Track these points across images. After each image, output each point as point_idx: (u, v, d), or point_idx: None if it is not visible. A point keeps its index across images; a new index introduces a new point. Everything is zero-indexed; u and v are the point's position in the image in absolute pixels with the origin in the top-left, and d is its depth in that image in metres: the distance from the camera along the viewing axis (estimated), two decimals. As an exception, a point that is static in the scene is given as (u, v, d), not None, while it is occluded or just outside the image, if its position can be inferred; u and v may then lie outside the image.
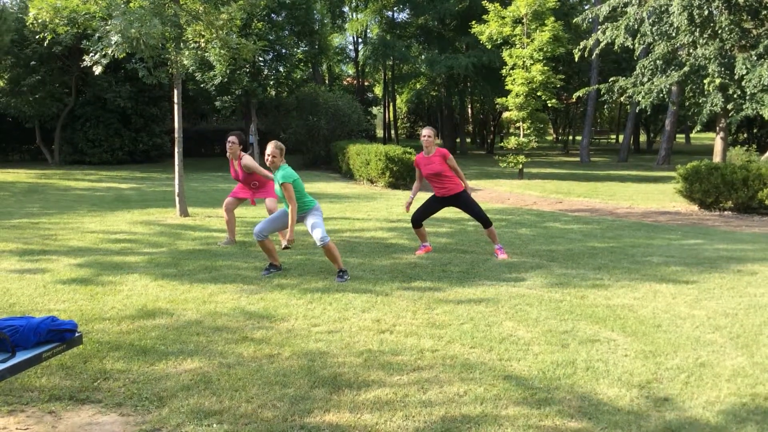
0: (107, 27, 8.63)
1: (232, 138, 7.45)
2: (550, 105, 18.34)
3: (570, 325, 4.56)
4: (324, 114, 22.51)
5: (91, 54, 9.05)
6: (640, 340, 4.27)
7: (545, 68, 17.42)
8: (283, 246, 5.90)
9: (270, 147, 5.83)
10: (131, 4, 9.15)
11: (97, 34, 8.81)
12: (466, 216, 9.91)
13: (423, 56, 29.07)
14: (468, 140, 39.49)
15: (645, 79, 16.59)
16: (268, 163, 5.84)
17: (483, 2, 19.03)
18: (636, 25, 16.30)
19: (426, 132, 6.94)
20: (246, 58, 10.55)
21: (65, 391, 3.39)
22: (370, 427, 3.04)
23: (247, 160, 7.45)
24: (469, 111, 40.34)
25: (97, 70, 9.00)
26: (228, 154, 7.51)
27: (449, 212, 10.91)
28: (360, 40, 36.40)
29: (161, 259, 6.65)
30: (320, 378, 3.58)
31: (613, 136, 45.41)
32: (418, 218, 7.20)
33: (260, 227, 5.99)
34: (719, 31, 14.88)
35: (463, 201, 7.08)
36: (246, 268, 6.33)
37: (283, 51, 23.92)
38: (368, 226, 9.14)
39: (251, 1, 9.92)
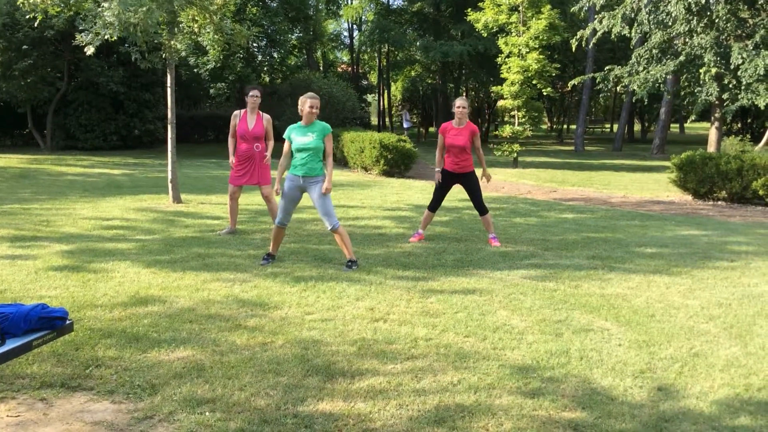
0: (100, 11, 8.52)
1: (255, 92, 7.37)
2: (545, 93, 18.30)
3: (564, 315, 4.56)
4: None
5: (83, 34, 8.94)
6: (633, 330, 4.27)
7: (541, 56, 17.36)
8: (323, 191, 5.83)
9: (312, 100, 5.79)
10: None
11: (90, 16, 8.70)
12: (461, 205, 9.91)
13: (418, 43, 28.97)
14: (463, 128, 39.33)
15: (641, 68, 16.55)
16: (309, 113, 5.75)
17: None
18: (633, 14, 16.24)
19: (460, 102, 7.03)
20: (240, 43, 10.46)
21: (57, 378, 3.36)
22: (363, 415, 3.03)
23: (270, 119, 7.50)
24: (464, 99, 40.17)
25: (89, 51, 8.89)
26: (248, 107, 7.37)
27: (445, 200, 10.89)
28: (355, 26, 36.21)
29: (154, 246, 6.61)
30: (314, 366, 3.56)
31: (608, 125, 45.46)
32: (437, 203, 7.26)
33: (282, 215, 5.94)
34: (716, 21, 14.83)
35: (471, 182, 7.13)
36: (239, 255, 6.30)
37: (278, 37, 23.76)
38: (362, 214, 9.11)
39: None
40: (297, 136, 5.82)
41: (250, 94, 7.37)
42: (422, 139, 33.47)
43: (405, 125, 29.31)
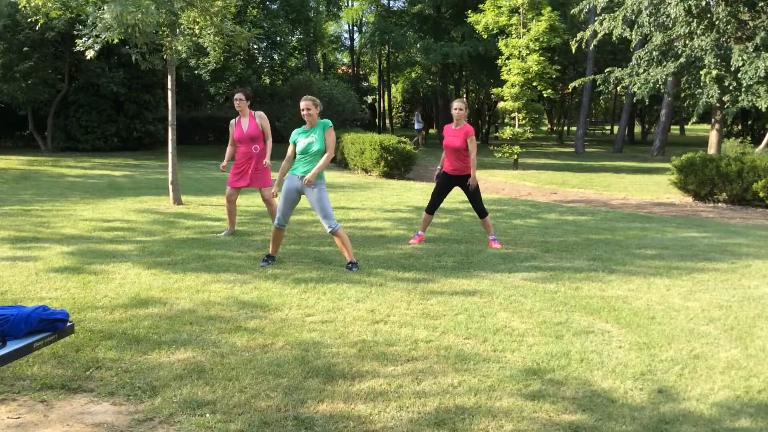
0: (100, 13, 8.53)
1: (239, 95, 7.32)
2: (545, 95, 18.30)
3: (564, 317, 4.56)
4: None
5: (84, 39, 8.95)
6: (634, 332, 4.27)
7: (541, 58, 17.38)
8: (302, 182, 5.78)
9: (305, 102, 5.79)
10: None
11: (90, 20, 8.71)
12: (461, 206, 9.90)
13: (418, 44, 28.97)
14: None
15: (641, 70, 16.55)
16: (304, 116, 5.76)
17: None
18: (633, 16, 16.24)
19: (457, 104, 7.00)
20: (240, 45, 10.45)
21: (57, 380, 3.36)
22: (363, 417, 3.03)
23: (263, 115, 7.43)
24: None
25: (89, 54, 8.90)
26: (238, 112, 7.38)
27: (445, 201, 10.90)
28: (355, 28, 36.24)
29: (154, 248, 6.62)
30: (314, 368, 3.56)
31: (608, 127, 45.43)
32: (435, 205, 7.25)
33: (281, 215, 5.92)
34: (716, 23, 14.83)
35: (469, 185, 7.13)
36: (240, 257, 6.31)
37: (278, 39, 23.77)
38: (362, 216, 9.12)
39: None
40: (301, 139, 5.85)
41: (234, 98, 7.41)
42: (423, 140, 33.43)
43: (417, 126, 29.56)
